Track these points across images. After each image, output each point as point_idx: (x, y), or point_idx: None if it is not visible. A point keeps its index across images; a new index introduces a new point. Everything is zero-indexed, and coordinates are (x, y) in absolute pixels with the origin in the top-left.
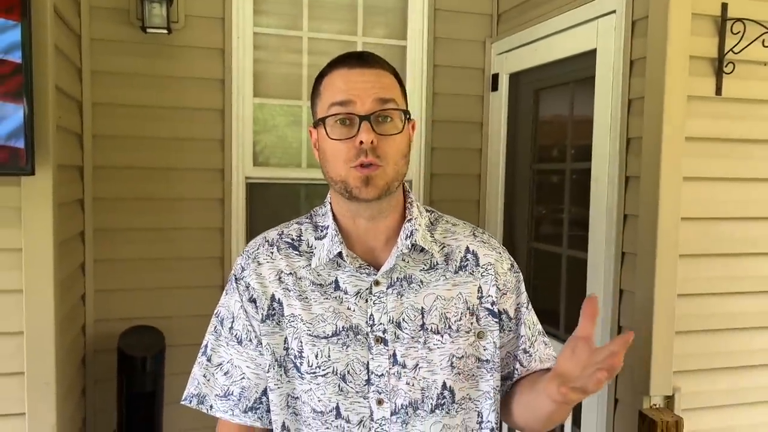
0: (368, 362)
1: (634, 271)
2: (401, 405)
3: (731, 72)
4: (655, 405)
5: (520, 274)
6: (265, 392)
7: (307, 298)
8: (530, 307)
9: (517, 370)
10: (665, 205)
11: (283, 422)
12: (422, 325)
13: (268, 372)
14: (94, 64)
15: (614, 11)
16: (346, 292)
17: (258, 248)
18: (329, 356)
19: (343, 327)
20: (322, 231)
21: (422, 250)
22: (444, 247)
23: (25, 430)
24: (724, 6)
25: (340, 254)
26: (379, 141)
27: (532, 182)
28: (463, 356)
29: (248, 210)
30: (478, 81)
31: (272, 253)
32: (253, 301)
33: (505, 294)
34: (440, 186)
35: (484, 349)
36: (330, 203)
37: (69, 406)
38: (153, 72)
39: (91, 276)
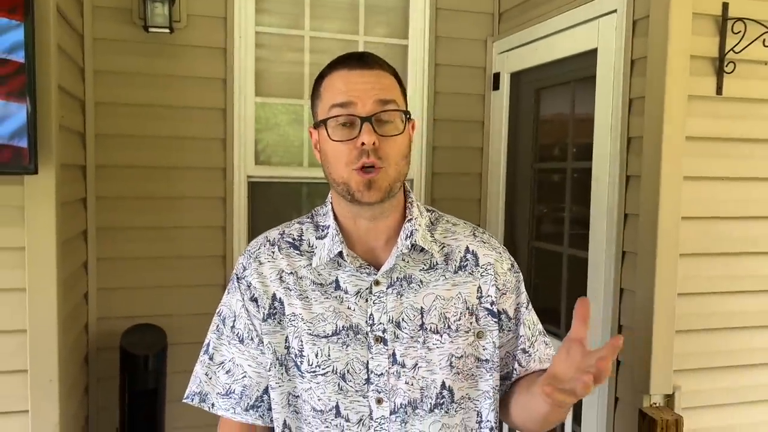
0: (368, 361)
1: (634, 270)
2: (400, 404)
3: (732, 71)
4: (655, 403)
5: (520, 274)
6: (266, 391)
7: (307, 297)
8: (530, 307)
9: (515, 370)
10: (666, 205)
11: (284, 420)
12: (421, 325)
13: (269, 371)
14: (96, 63)
15: (615, 11)
16: (346, 292)
17: (259, 248)
18: (329, 355)
19: (343, 326)
20: (323, 231)
21: (422, 250)
22: (444, 246)
23: (29, 428)
24: (725, 5)
25: (340, 254)
26: (381, 142)
27: (533, 181)
28: (462, 356)
29: (250, 209)
30: (480, 80)
31: (273, 252)
32: (254, 300)
33: (505, 294)
34: (441, 185)
35: (484, 349)
36: (331, 203)
37: (72, 403)
38: (155, 71)
39: (93, 274)
